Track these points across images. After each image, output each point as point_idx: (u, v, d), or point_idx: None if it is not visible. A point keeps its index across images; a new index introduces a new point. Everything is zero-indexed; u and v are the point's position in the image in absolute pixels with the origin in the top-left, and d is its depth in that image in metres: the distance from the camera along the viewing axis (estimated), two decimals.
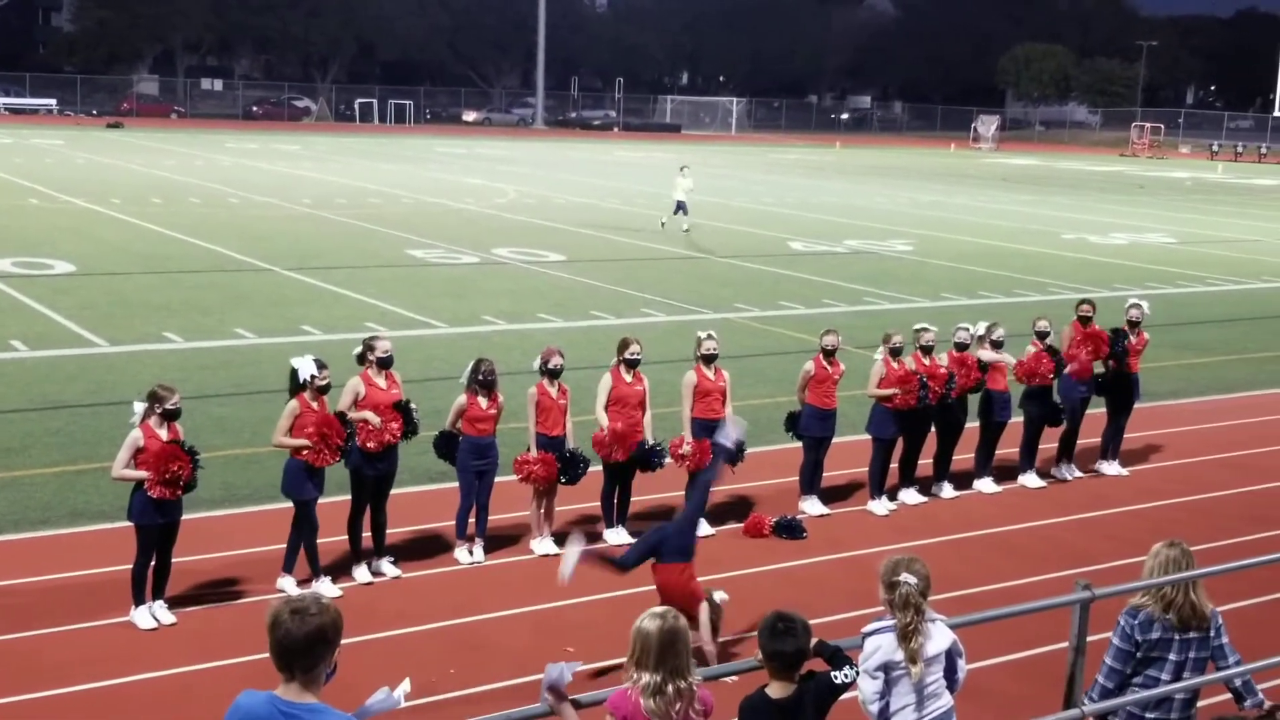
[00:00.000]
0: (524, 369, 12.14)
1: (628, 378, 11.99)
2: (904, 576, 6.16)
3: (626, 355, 11.97)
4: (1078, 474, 14.99)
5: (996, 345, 14.02)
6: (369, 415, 10.75)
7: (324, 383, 10.49)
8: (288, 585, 10.43)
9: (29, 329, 19.93)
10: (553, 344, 12.34)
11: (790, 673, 5.79)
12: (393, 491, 11.37)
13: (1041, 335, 14.30)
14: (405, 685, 4.97)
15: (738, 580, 11.33)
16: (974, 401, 14.10)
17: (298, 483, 10.44)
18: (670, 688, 5.41)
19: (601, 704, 5.54)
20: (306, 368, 10.43)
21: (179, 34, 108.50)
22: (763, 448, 14.36)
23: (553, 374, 11.66)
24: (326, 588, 10.41)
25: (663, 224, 36.26)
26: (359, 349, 11.14)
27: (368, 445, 10.73)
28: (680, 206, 35.69)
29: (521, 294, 24.96)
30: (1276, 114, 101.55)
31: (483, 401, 11.34)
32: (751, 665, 5.97)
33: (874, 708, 6.15)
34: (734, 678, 6.73)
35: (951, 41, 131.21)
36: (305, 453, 10.28)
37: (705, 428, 12.17)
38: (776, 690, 5.79)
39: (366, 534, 11.01)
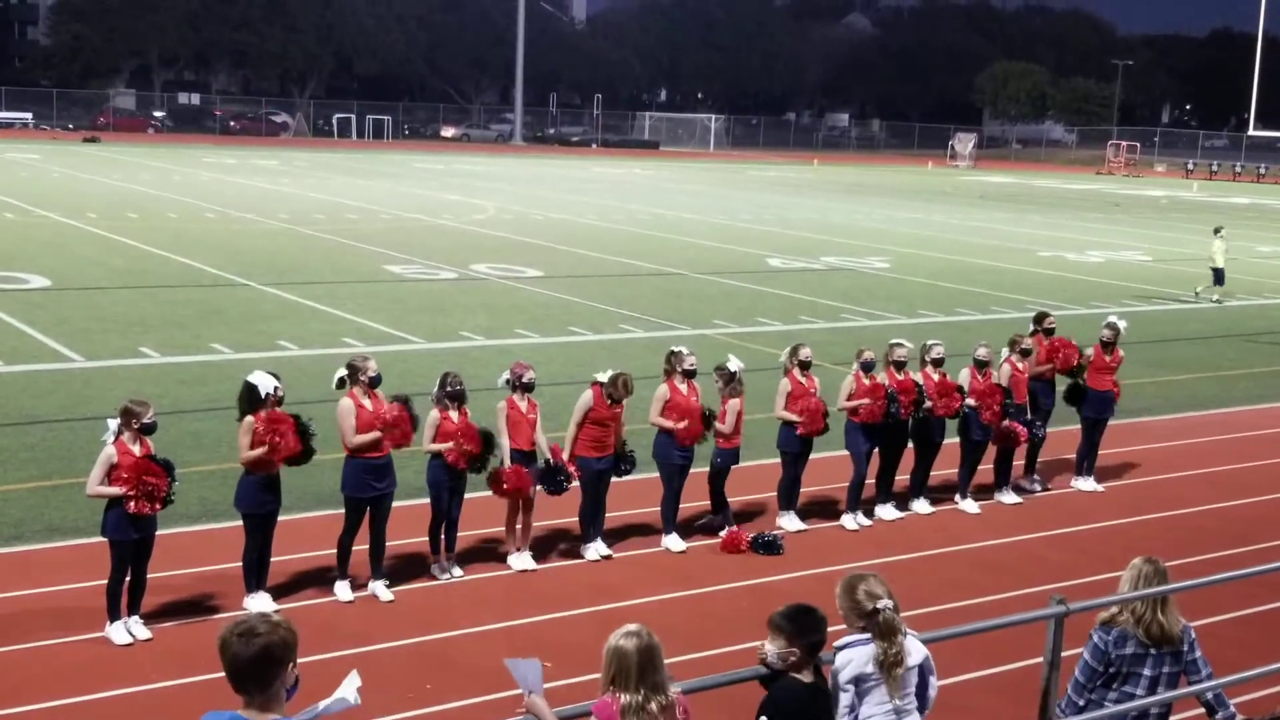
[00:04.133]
0: (497, 383, 12.14)
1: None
2: (883, 603, 6.13)
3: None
4: (1042, 487, 15.07)
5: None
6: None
7: (282, 394, 10.48)
8: (261, 602, 10.39)
9: (3, 344, 19.84)
10: (524, 359, 12.35)
11: (813, 663, 5.97)
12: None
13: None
14: (355, 680, 4.92)
15: (715, 596, 11.36)
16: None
17: (251, 497, 10.44)
18: (652, 704, 5.40)
19: (578, 718, 5.52)
20: (268, 383, 10.39)
21: (155, 48, 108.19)
22: (740, 464, 14.35)
23: (526, 388, 11.69)
24: (263, 602, 10.39)
25: (1197, 293, 31.33)
26: (342, 372, 11.04)
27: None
28: (1218, 275, 30.97)
29: (500, 310, 24.96)
30: (1251, 133, 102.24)
31: (454, 415, 11.35)
32: (743, 676, 5.99)
33: None
34: None
35: (929, 60, 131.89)
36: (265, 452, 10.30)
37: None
38: (806, 677, 5.93)
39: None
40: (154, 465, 9.66)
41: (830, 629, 6.08)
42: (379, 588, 10.97)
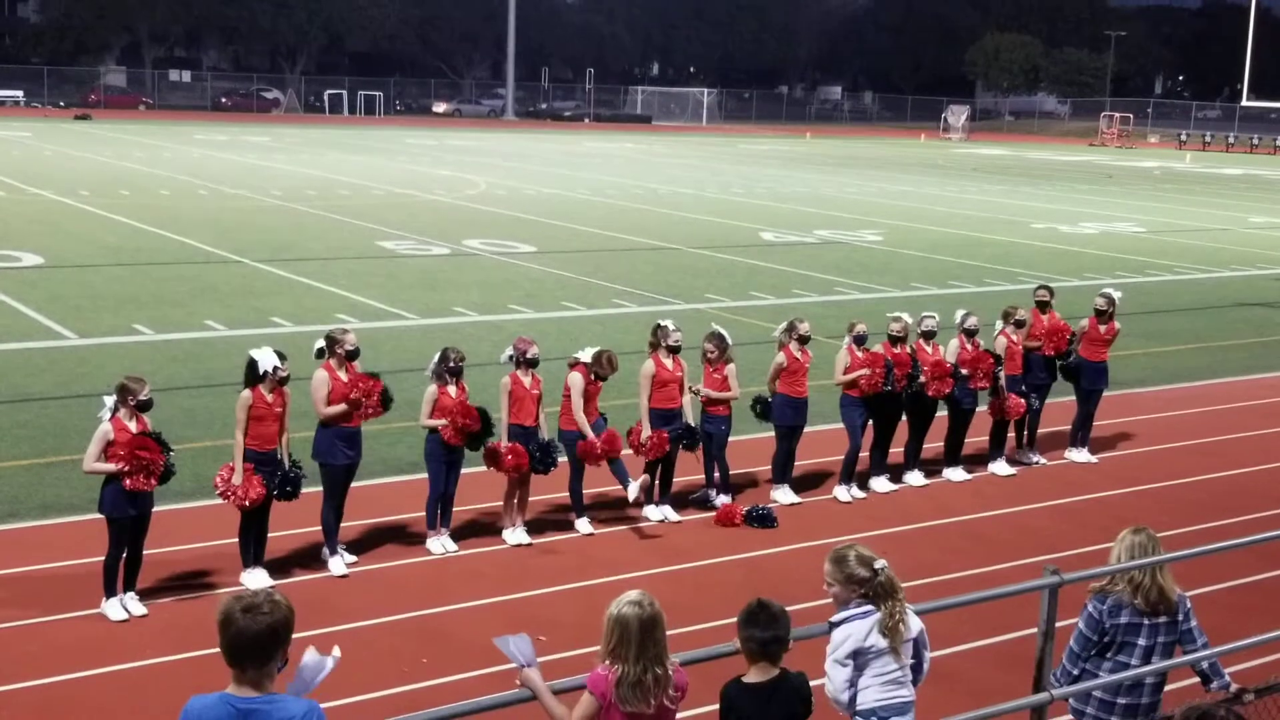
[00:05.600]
0: (495, 360, 12.17)
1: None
2: (879, 564, 6.16)
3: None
4: (1041, 460, 15.09)
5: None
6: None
7: (284, 375, 10.46)
8: (257, 578, 10.40)
9: None
10: (524, 335, 12.35)
11: (766, 660, 5.78)
12: (364, 483, 11.40)
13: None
14: (336, 652, 4.95)
15: (710, 569, 11.39)
16: None
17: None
18: (649, 676, 5.41)
19: (571, 691, 5.53)
20: (268, 360, 10.37)
21: (146, 25, 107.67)
22: (734, 437, 14.38)
23: (530, 364, 11.71)
24: (261, 577, 10.41)
25: None
26: (320, 344, 11.10)
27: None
28: None
29: (492, 285, 24.93)
30: (1244, 104, 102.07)
31: (452, 390, 11.36)
32: (726, 651, 5.97)
33: (844, 696, 6.13)
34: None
35: (921, 32, 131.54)
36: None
37: (662, 417, 12.37)
38: (753, 675, 5.80)
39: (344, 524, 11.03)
40: (148, 440, 9.67)
41: (819, 603, 6.05)
42: (337, 562, 10.94)
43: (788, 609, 5.93)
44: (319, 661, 4.84)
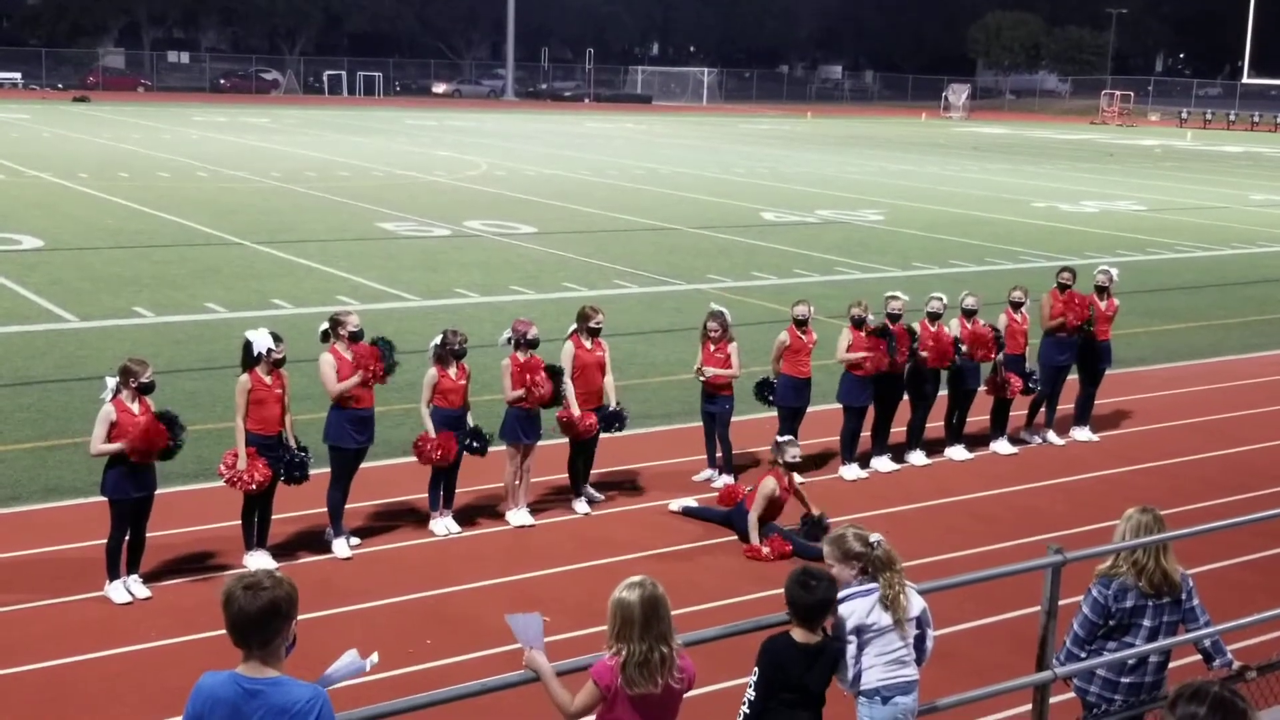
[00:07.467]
0: (495, 342, 12.14)
1: (588, 344, 12.15)
2: (875, 538, 6.21)
3: (590, 325, 12.11)
4: (1057, 440, 15.05)
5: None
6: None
7: (279, 356, 10.44)
8: (260, 560, 10.40)
9: None
10: (523, 317, 12.34)
11: (811, 623, 5.94)
12: (367, 465, 11.42)
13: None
14: (374, 656, 5.02)
15: (713, 548, 11.39)
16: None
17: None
18: (655, 655, 5.42)
19: (576, 672, 5.53)
20: (262, 341, 10.35)
21: (144, 6, 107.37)
22: (736, 417, 14.40)
23: (531, 345, 11.69)
24: (264, 559, 10.41)
25: None
26: (324, 325, 11.10)
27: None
28: None
29: (493, 266, 24.90)
30: (1245, 81, 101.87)
31: (452, 372, 11.35)
32: (740, 629, 6.01)
33: (849, 673, 6.18)
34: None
35: (922, 10, 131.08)
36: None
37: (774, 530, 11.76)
38: (799, 635, 5.95)
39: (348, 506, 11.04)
40: (159, 426, 9.68)
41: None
42: (341, 544, 10.97)
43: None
44: (354, 662, 4.89)
